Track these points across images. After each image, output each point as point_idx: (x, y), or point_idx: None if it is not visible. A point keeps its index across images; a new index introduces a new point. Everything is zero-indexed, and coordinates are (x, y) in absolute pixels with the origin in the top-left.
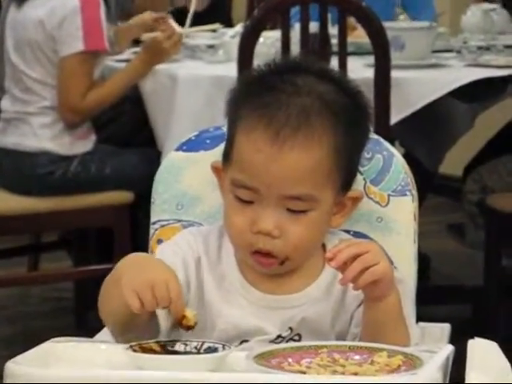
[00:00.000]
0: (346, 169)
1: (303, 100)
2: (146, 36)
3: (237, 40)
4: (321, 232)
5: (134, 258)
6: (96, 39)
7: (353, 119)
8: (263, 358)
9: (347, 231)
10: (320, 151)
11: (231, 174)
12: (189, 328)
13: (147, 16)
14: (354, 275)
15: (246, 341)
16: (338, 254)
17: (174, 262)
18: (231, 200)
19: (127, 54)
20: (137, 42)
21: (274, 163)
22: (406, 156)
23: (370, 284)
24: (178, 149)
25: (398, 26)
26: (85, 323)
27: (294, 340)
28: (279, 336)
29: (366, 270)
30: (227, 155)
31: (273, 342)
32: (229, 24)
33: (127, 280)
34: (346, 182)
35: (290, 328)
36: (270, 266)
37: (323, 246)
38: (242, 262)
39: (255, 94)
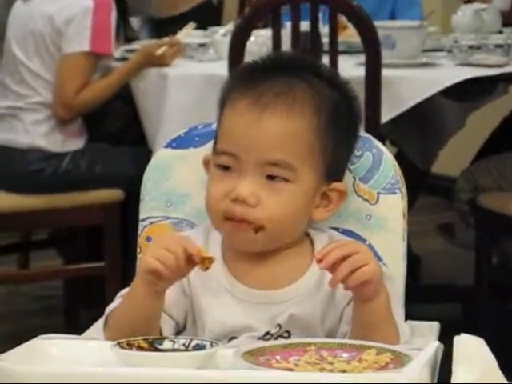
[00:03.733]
0: (330, 155)
1: (289, 78)
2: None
3: (228, 38)
4: (298, 210)
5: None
6: (103, 42)
7: (340, 112)
8: (251, 356)
9: (336, 229)
10: (300, 121)
11: (216, 148)
12: (210, 262)
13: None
14: (344, 276)
15: (235, 338)
16: (327, 256)
17: None
18: (213, 172)
19: (120, 51)
20: (129, 41)
21: (253, 127)
22: (398, 155)
23: (360, 285)
24: (167, 146)
25: (388, 25)
26: (74, 321)
27: (283, 337)
28: (267, 333)
29: (355, 271)
30: (215, 140)
31: (261, 338)
32: (219, 22)
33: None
34: (331, 171)
35: (279, 325)
36: (243, 232)
37: (311, 243)
38: (227, 255)
39: (246, 80)
